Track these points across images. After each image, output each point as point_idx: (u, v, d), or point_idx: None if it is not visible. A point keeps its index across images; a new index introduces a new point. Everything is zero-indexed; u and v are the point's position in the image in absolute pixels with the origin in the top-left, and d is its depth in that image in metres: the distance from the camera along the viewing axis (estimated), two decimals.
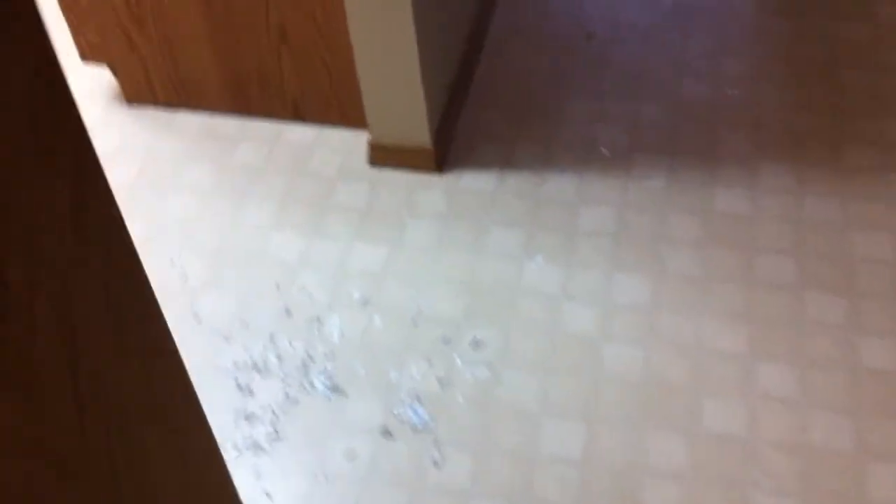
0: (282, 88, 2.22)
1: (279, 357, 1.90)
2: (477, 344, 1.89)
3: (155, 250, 2.10)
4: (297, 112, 2.28)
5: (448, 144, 2.29)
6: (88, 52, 2.25)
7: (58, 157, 0.62)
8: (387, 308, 1.97)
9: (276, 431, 1.78)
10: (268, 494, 1.70)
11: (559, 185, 2.19)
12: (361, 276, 2.04)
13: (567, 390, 1.81)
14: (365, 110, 2.13)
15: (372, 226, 2.14)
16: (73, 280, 0.64)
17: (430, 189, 2.21)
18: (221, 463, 0.96)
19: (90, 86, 2.42)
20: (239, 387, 1.85)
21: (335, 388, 1.84)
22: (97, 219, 0.68)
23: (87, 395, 0.66)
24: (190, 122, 2.34)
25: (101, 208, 0.68)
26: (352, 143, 2.28)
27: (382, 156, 2.26)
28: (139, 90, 2.31)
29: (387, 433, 1.76)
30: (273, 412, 1.81)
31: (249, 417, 1.81)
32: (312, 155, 2.28)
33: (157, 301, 0.79)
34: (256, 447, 1.77)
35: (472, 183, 2.22)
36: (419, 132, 2.18)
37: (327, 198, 2.20)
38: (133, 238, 0.75)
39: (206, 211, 2.18)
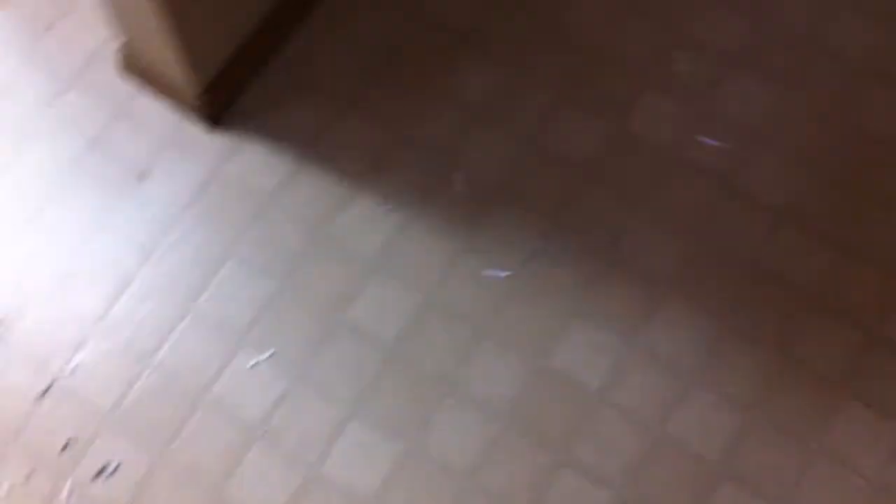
0: None
1: None
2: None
3: None
4: None
5: (231, 97, 1.79)
6: None
7: None
8: None
9: None
10: None
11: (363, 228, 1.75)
12: None
13: None
14: None
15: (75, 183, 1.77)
16: None
17: (182, 150, 1.79)
18: None
19: None
20: None
21: None
22: None
23: None
24: None
25: None
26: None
27: (135, 68, 1.78)
28: None
29: None
30: None
31: None
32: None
33: None
34: None
35: (248, 167, 1.77)
36: (175, 59, 1.65)
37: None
38: None
39: None
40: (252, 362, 1.68)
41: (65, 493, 1.58)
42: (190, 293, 1.72)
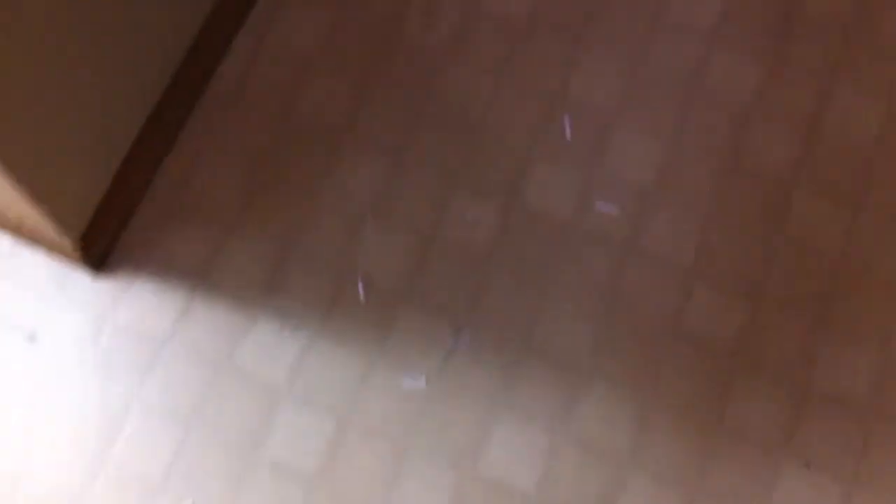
0: None
1: None
2: None
3: None
4: None
5: (110, 239, 1.72)
6: None
7: None
8: None
9: None
10: None
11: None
12: None
13: None
14: None
15: None
16: None
17: (68, 302, 1.70)
18: None
19: None
20: None
21: None
22: None
23: None
24: None
25: None
26: None
27: (8, 225, 1.68)
28: None
29: None
30: None
31: None
32: None
33: None
34: None
35: (139, 309, 1.70)
36: (41, 217, 1.55)
37: None
38: None
39: None
40: None
41: None
42: (97, 453, 1.63)
